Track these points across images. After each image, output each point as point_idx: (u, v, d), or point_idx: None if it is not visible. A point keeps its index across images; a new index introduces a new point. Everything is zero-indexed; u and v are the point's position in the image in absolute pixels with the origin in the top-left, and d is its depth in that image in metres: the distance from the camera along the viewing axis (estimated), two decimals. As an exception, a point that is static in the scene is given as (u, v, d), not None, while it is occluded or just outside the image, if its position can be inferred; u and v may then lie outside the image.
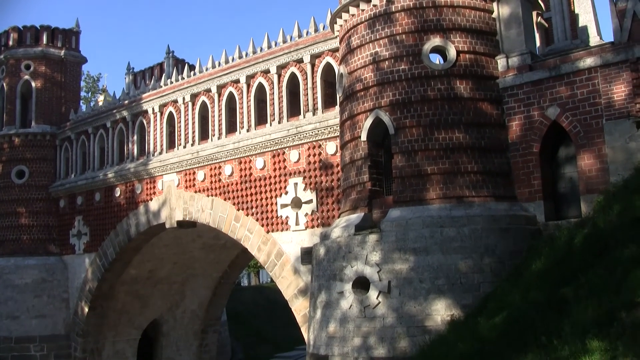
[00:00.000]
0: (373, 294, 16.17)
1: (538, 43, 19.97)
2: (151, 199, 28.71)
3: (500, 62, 17.84)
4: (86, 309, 31.30)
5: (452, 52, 17.49)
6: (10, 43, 34.82)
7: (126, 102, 30.31)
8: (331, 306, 17.21)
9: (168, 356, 35.45)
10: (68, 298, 32.62)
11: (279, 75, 24.08)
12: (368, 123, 18.02)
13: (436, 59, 18.03)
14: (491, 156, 17.18)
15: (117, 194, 30.43)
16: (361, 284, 16.59)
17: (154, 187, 28.64)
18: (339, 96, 20.20)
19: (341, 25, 19.92)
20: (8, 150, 34.07)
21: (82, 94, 56.15)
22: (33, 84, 34.34)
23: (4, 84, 34.77)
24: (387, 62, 17.84)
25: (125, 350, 33.47)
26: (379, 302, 16.03)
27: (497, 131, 17.39)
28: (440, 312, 15.30)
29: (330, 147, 22.00)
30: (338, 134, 20.84)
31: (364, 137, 18.15)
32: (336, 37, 21.24)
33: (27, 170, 33.67)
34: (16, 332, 31.83)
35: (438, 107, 17.20)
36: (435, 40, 17.57)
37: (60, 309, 32.44)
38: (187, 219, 27.14)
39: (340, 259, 17.31)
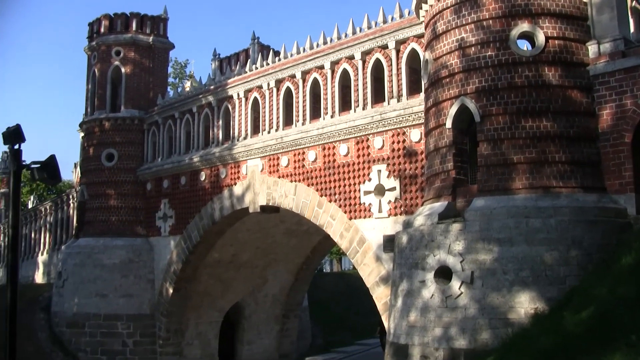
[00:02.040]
0: (455, 284, 15.95)
1: (632, 29, 19.23)
2: (235, 184, 29.04)
3: (591, 48, 17.21)
4: (170, 290, 32.02)
5: (540, 38, 17.00)
6: (102, 30, 35.72)
7: (212, 87, 30.71)
8: (412, 295, 17.07)
9: (249, 339, 35.97)
10: (153, 279, 33.43)
11: (364, 62, 23.94)
12: (453, 110, 17.72)
13: (524, 45, 17.55)
14: (580, 146, 16.65)
15: (202, 178, 30.92)
16: (443, 274, 16.39)
17: (238, 172, 28.95)
18: (423, 83, 19.94)
19: (426, 11, 19.63)
20: (99, 134, 35.05)
21: (170, 79, 57.34)
22: (123, 70, 35.18)
23: (96, 70, 35.73)
24: (473, 48, 17.48)
25: (208, 332, 34.13)
26: (461, 293, 15.81)
27: (586, 120, 16.82)
28: (524, 304, 14.95)
29: (415, 134, 21.78)
30: (422, 121, 20.59)
31: (449, 124, 17.87)
32: (421, 22, 20.95)
33: (117, 153, 34.56)
34: (104, 310, 32.81)
35: (525, 95, 16.76)
36: (523, 26, 17.09)
37: (145, 289, 33.29)
38: (270, 204, 27.36)
39: (422, 248, 17.14)
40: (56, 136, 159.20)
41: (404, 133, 22.19)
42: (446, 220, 16.85)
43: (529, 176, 16.37)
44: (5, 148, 12.36)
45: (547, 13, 17.19)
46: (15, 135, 12.08)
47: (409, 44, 22.37)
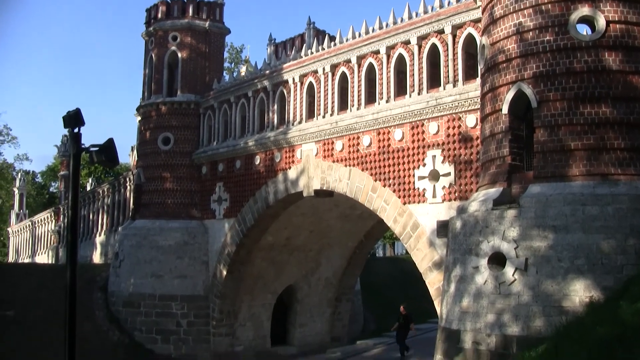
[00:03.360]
0: (509, 271, 15.84)
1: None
2: (290, 168, 29.20)
3: (654, 32, 16.81)
4: (224, 272, 32.39)
5: (601, 22, 16.64)
6: (159, 15, 36.14)
7: (267, 72, 30.85)
8: (465, 281, 17.00)
9: (302, 322, 36.22)
10: (208, 261, 33.85)
11: (419, 46, 23.80)
12: (510, 96, 17.51)
13: (583, 29, 17.20)
14: (640, 132, 16.29)
15: (257, 162, 31.14)
16: (497, 260, 16.28)
17: (293, 156, 29.09)
18: (480, 68, 19.72)
19: (484, -5, 19.39)
20: (155, 117, 35.53)
21: (226, 64, 57.66)
22: (179, 55, 35.54)
23: (153, 55, 36.18)
24: (531, 32, 17.21)
25: (261, 314, 34.48)
26: (515, 279, 15.69)
27: (647, 106, 16.44)
28: (579, 292, 14.76)
29: (470, 120, 21.61)
30: (478, 107, 20.40)
31: (505, 110, 17.67)
32: (479, 7, 20.73)
33: (173, 137, 35.00)
34: (160, 291, 33.37)
35: (584, 80, 16.44)
36: (583, 10, 16.75)
37: (200, 271, 33.74)
38: (324, 188, 27.46)
39: (476, 234, 17.04)
40: (114, 120, 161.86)
41: (459, 118, 22.04)
42: (501, 207, 16.71)
43: (586, 163, 16.09)
44: (66, 132, 12.53)
45: (608, -4, 16.82)
46: (75, 119, 12.28)
47: (465, 29, 22.16)
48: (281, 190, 29.58)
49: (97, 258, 48.41)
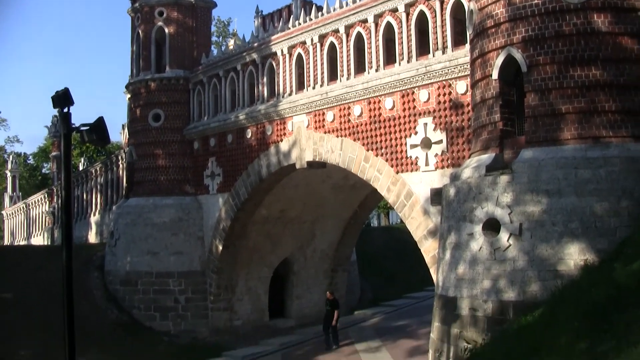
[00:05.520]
0: (504, 236, 15.86)
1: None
2: (281, 140, 29.13)
3: (643, -8, 16.69)
4: (220, 247, 32.44)
5: (589, -16, 16.50)
6: (145, -9, 35.72)
7: (255, 44, 30.65)
8: (460, 248, 17.03)
9: (298, 294, 36.41)
10: (203, 236, 33.88)
11: (407, 14, 23.64)
12: (499, 61, 17.41)
13: (572, -9, 17.06)
14: (631, 94, 16.19)
15: (249, 136, 31.05)
16: (491, 226, 16.29)
17: (284, 128, 29.01)
18: (469, 34, 19.59)
19: (471, -41, 19.21)
20: (145, 94, 35.31)
21: (214, 38, 57.33)
22: (166, 30, 35.22)
23: (140, 31, 35.85)
24: (519, -4, 17.07)
25: (258, 287, 34.62)
26: (510, 245, 15.72)
27: (638, 67, 16.32)
28: (574, 256, 14.80)
29: (461, 87, 21.54)
30: (468, 73, 20.32)
31: (495, 75, 17.57)
32: (466, -28, 20.56)
33: (163, 113, 34.82)
34: (156, 268, 33.44)
35: (574, 43, 16.32)
36: (572, -28, 16.61)
37: (195, 247, 33.78)
38: (317, 159, 27.44)
39: (470, 200, 17.04)
40: (103, 98, 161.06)
41: (449, 85, 21.96)
42: (494, 172, 16.69)
43: (577, 126, 16.05)
44: (56, 112, 12.45)
45: (595, -43, 16.67)
46: (64, 98, 12.19)
47: (453, -5, 22.01)
48: (274, 163, 29.53)
49: (92, 238, 48.40)
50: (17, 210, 76.80)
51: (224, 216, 32.38)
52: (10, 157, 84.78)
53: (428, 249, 22.05)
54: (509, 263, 15.66)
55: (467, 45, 20.42)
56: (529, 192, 15.74)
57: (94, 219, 49.41)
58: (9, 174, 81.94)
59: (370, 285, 43.14)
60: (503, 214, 15.97)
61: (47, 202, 64.40)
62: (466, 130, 21.18)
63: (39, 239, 65.62)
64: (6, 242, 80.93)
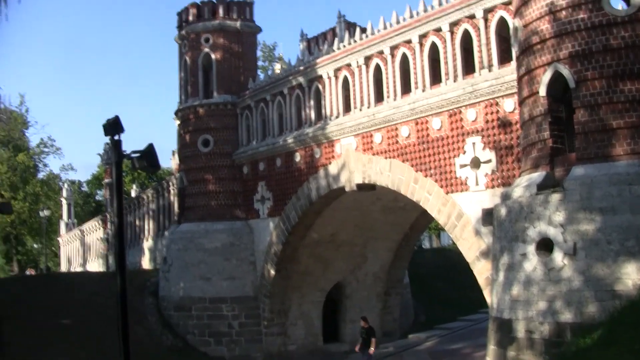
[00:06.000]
0: (558, 256, 15.58)
1: None
2: (330, 163, 29.13)
3: (693, 2, 16.33)
4: (272, 272, 32.47)
5: (636, -4, 16.23)
6: (190, 18, 36.24)
7: (301, 68, 30.79)
8: (514, 269, 16.78)
9: (351, 318, 36.14)
10: (255, 261, 33.97)
11: (452, 33, 23.51)
12: (547, 77, 17.19)
13: (618, 4, 16.78)
14: (684, 106, 15.85)
15: (297, 159, 31.13)
16: (545, 246, 16.03)
17: (333, 151, 29.02)
18: (514, 51, 19.39)
19: (514, -24, 19.06)
20: (194, 120, 35.70)
21: (260, 63, 57.76)
22: (213, 56, 35.61)
23: (187, 58, 36.33)
24: (564, 11, 16.83)
25: (311, 311, 34.50)
26: (564, 265, 15.43)
27: (690, 79, 15.98)
28: (631, 275, 14.44)
29: (508, 104, 21.30)
30: (515, 91, 20.08)
31: (542, 92, 17.35)
32: (509, -11, 20.39)
33: (212, 138, 35.13)
34: (209, 293, 33.62)
35: (622, 57, 16.04)
36: (618, -16, 16.38)
37: (248, 272, 33.88)
38: (366, 181, 27.35)
39: (522, 220, 16.80)
40: (153, 125, 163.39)
41: (497, 103, 21.74)
42: (545, 191, 16.44)
43: (630, 141, 15.73)
44: (107, 140, 12.64)
45: (642, -32, 16.38)
46: (115, 126, 12.38)
47: (496, 12, 21.81)
48: (323, 186, 29.52)
49: (146, 263, 48.96)
50: (73, 237, 78.19)
51: (275, 240, 32.44)
52: (65, 184, 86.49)
53: (481, 270, 21.76)
54: (564, 283, 15.36)
55: (513, 63, 20.22)
56: (582, 210, 15.46)
57: (146, 244, 50.00)
58: (64, 201, 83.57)
59: (424, 308, 42.68)
60: (556, 233, 15.70)
61: (101, 229, 65.42)
62: (515, 148, 20.90)
63: (94, 265, 66.64)
64: (63, 268, 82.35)
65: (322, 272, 34.36)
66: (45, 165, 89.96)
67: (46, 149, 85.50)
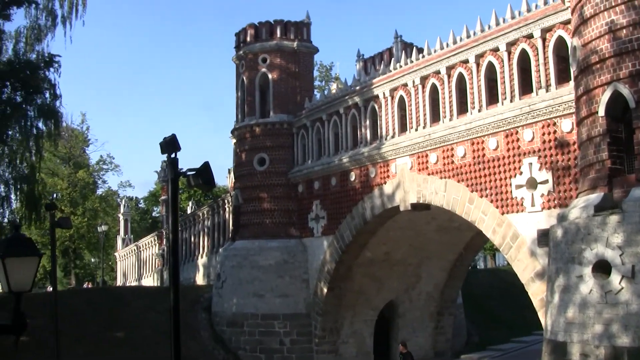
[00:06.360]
0: (615, 279, 15.27)
1: None
2: (385, 182, 29.12)
3: None
4: (325, 290, 32.50)
5: (699, 14, 15.94)
6: (248, 39, 36.72)
7: (357, 88, 30.91)
8: (570, 291, 16.50)
9: (404, 337, 35.76)
10: (308, 279, 34.06)
11: (509, 53, 23.37)
12: (606, 97, 16.95)
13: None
14: None
15: (352, 178, 31.20)
16: (602, 268, 15.72)
17: (388, 171, 29.01)
18: (572, 70, 19.19)
19: (573, -5, 18.89)
20: (250, 139, 36.08)
21: (316, 83, 58.21)
22: (270, 76, 35.99)
23: (244, 78, 36.80)
24: (624, 30, 16.59)
25: (363, 330, 34.39)
26: (622, 288, 15.10)
27: None
28: (691, 299, 14.11)
29: (566, 125, 21.05)
30: (573, 111, 19.84)
31: (601, 112, 17.10)
32: (567, 8, 20.19)
33: (268, 157, 35.44)
34: (262, 310, 33.80)
35: (686, 75, 15.76)
36: (680, 3, 16.08)
37: (300, 289, 33.97)
38: (420, 201, 27.26)
39: (578, 241, 16.53)
40: (210, 143, 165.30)
41: (554, 124, 21.50)
42: (603, 212, 16.16)
43: (692, 163, 15.42)
44: (164, 157, 12.85)
45: None
46: (171, 144, 12.55)
47: (555, 32, 21.63)
48: (378, 205, 29.51)
49: (200, 279, 49.43)
50: (129, 252, 79.45)
51: (328, 259, 32.49)
52: (123, 201, 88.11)
53: (536, 291, 21.45)
54: (621, 307, 15.04)
55: (571, 82, 19.99)
56: (641, 233, 15.15)
57: (201, 261, 50.50)
58: (121, 217, 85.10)
59: (477, 329, 42.25)
60: (614, 255, 15.40)
61: (157, 245, 66.32)
62: (573, 169, 20.63)
63: (149, 280, 67.52)
64: (118, 282, 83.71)
65: (376, 291, 34.26)
66: (104, 181, 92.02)
67: (105, 166, 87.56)
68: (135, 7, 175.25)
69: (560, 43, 21.53)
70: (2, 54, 39.09)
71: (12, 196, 45.12)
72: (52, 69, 37.78)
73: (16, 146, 42.15)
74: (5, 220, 44.47)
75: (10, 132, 39.04)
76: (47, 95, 38.92)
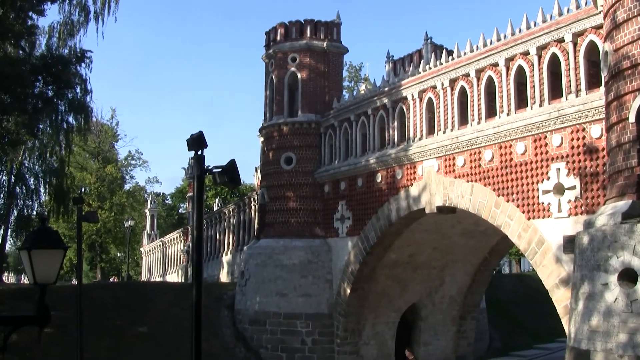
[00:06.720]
0: (641, 288, 15.09)
1: None
2: (411, 185, 29.01)
3: None
4: (348, 290, 32.45)
5: None
6: (278, 38, 36.80)
7: (386, 89, 30.84)
8: (594, 298, 16.32)
9: (425, 340, 35.78)
10: (331, 279, 34.00)
11: (539, 57, 23.17)
12: (637, 103, 16.73)
13: None
14: None
15: (379, 180, 31.12)
16: (628, 276, 15.52)
17: (414, 173, 28.91)
18: (603, 76, 18.97)
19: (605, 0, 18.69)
20: (277, 138, 36.13)
21: (345, 83, 58.13)
22: (299, 75, 36.03)
23: (273, 77, 36.87)
24: (658, 36, 16.43)
25: (385, 332, 34.29)
26: (648, 297, 14.93)
27: None
28: None
29: (595, 130, 20.83)
30: (603, 116, 19.63)
31: (632, 118, 16.90)
32: (600, 12, 19.98)
33: (295, 156, 35.47)
34: (284, 309, 33.83)
35: None
36: None
37: (324, 289, 33.92)
38: (446, 204, 27.12)
39: (605, 249, 16.35)
40: (236, 141, 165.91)
41: (583, 129, 21.30)
42: (630, 220, 15.96)
43: None
44: (191, 154, 12.91)
45: None
46: (198, 141, 12.60)
47: (586, 36, 21.41)
48: (403, 207, 29.41)
49: (224, 276, 49.58)
50: (155, 248, 79.90)
51: (352, 259, 32.44)
52: (150, 196, 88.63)
53: (560, 298, 21.26)
54: (647, 316, 14.85)
55: (602, 88, 19.79)
56: (668, 242, 14.95)
57: (225, 258, 50.64)
58: (148, 212, 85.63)
59: (500, 334, 42.00)
60: (640, 263, 15.21)
61: (182, 241, 66.63)
62: (601, 175, 20.42)
63: (174, 276, 67.85)
64: (143, 277, 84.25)
65: (399, 293, 34.16)
66: (132, 177, 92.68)
67: (133, 162, 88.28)
68: (168, 3, 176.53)
69: (592, 48, 21.31)
70: (35, 49, 39.64)
71: (42, 189, 45.81)
72: (83, 64, 38.28)
73: (46, 140, 42.70)
74: (34, 212, 45.06)
75: (41, 126, 39.55)
76: (78, 90, 39.42)
